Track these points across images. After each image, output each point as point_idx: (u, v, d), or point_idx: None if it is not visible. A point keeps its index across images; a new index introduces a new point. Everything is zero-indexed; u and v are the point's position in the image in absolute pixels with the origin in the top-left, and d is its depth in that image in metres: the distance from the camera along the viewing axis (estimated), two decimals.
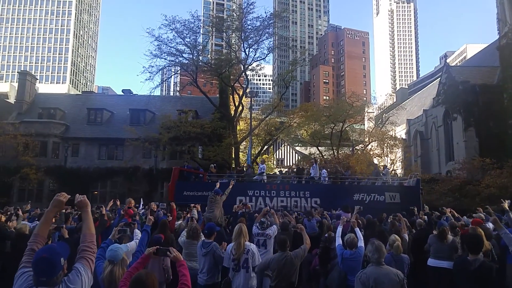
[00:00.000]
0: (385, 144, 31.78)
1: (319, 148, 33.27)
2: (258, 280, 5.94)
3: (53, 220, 6.42)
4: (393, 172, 32.21)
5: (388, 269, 4.33)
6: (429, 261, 7.11)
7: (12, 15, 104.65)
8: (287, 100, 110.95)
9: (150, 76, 27.91)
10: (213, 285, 5.95)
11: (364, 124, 39.11)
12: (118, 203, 11.42)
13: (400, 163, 35.21)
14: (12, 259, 6.59)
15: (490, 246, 6.36)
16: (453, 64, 68.96)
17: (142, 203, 15.05)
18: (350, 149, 32.55)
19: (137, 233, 6.14)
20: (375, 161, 32.54)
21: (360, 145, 34.25)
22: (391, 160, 32.70)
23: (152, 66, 27.83)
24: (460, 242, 6.79)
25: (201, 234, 6.60)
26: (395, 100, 75.69)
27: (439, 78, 40.20)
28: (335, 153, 31.26)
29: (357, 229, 6.56)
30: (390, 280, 4.16)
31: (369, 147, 33.00)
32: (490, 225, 7.63)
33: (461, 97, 31.82)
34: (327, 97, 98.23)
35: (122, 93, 39.20)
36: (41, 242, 2.82)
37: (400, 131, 44.78)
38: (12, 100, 39.84)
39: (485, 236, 5.89)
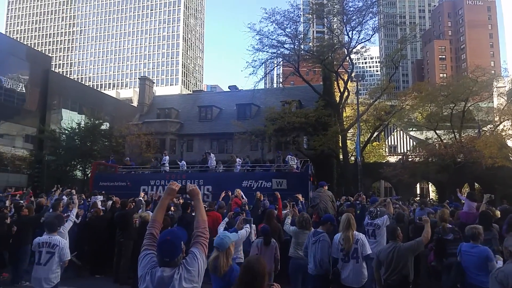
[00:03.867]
0: None
1: (437, 131, 30.05)
2: (369, 273, 5.66)
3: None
4: None
5: None
6: None
7: (133, 29, 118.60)
8: (397, 81, 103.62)
9: (253, 71, 28.47)
10: (323, 275, 5.88)
11: (493, 101, 34.05)
12: (230, 193, 12.38)
13: None
14: (138, 244, 7.40)
15: None
16: None
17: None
18: (476, 131, 28.66)
19: None
20: (509, 143, 28.13)
21: (489, 125, 29.88)
22: None
23: (255, 60, 28.25)
24: None
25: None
26: None
27: None
28: (457, 136, 27.91)
29: None
30: None
31: (500, 127, 28.56)
32: None
33: None
34: (444, 75, 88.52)
35: (229, 89, 41.13)
36: (158, 227, 3.06)
37: None
38: (135, 103, 45.18)
39: None
